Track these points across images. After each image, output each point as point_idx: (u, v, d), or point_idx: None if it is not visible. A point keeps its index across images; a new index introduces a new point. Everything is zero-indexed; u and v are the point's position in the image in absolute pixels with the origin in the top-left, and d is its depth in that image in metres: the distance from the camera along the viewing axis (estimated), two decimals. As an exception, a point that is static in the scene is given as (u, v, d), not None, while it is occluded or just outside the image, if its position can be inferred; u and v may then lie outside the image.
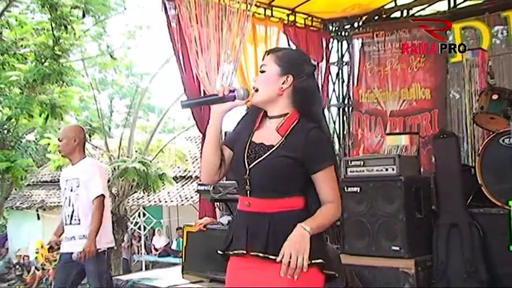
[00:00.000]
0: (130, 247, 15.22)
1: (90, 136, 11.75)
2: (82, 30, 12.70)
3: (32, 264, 15.80)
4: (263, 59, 2.18)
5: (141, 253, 14.24)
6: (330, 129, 7.10)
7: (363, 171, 4.45)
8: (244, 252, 2.06)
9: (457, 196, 4.16)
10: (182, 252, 4.87)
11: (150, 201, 15.13)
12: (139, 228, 13.53)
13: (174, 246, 14.93)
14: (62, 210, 4.05)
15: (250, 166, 2.07)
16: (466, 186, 4.20)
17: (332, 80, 7.24)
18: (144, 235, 14.09)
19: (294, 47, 6.65)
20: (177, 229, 14.77)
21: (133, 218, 13.67)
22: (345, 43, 7.28)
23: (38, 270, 15.13)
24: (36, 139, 15.28)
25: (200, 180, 4.99)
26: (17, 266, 16.11)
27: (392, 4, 6.86)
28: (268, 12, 6.45)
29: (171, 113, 16.94)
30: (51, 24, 10.95)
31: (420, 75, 6.58)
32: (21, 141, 13.57)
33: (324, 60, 7.05)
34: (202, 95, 5.42)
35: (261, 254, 2.01)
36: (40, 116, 11.48)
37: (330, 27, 7.24)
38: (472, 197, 4.24)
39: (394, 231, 4.13)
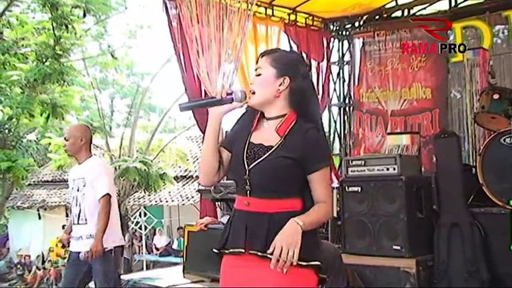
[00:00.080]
0: (131, 247, 15.21)
1: (91, 136, 11.74)
2: (83, 30, 12.73)
3: (33, 263, 15.83)
4: (257, 62, 2.19)
5: (142, 253, 14.24)
6: (331, 129, 7.20)
7: (364, 170, 4.45)
8: (243, 251, 2.07)
9: (458, 196, 4.16)
10: (183, 252, 4.88)
11: (151, 201, 15.15)
12: (140, 227, 13.52)
13: (175, 246, 14.95)
14: (70, 209, 4.07)
15: (250, 167, 2.08)
16: (467, 186, 4.20)
17: (333, 80, 7.23)
18: (145, 235, 14.08)
19: (294, 46, 6.66)
20: (178, 229, 14.78)
21: (134, 218, 13.67)
22: (345, 42, 7.27)
23: (39, 269, 15.16)
24: (37, 139, 15.30)
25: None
26: (18, 266, 16.13)
27: (393, 3, 6.85)
28: (269, 11, 6.45)
29: (172, 113, 16.92)
30: (52, 24, 10.97)
31: (421, 74, 6.58)
32: (22, 141, 13.58)
33: (325, 60, 7.03)
34: (203, 94, 5.43)
35: (259, 253, 2.02)
36: (41, 115, 11.50)
37: (331, 27, 7.23)
38: (473, 196, 4.23)
39: (395, 230, 4.12)
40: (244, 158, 2.10)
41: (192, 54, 5.37)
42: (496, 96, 4.47)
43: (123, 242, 4.07)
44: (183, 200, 14.52)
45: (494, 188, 4.11)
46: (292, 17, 6.72)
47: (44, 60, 11.10)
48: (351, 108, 7.21)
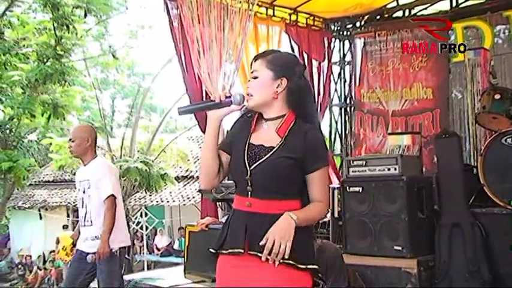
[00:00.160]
0: (132, 247, 15.22)
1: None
2: (84, 30, 12.73)
3: (34, 264, 15.83)
4: (251, 65, 2.21)
5: (143, 253, 14.23)
6: (332, 129, 7.20)
7: (365, 171, 4.44)
8: (242, 251, 2.07)
9: (459, 196, 4.16)
10: (184, 252, 4.88)
11: (152, 201, 15.15)
12: (141, 228, 13.52)
13: (176, 246, 14.95)
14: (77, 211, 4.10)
15: (252, 167, 2.09)
16: (468, 186, 4.19)
17: (334, 80, 7.22)
18: (146, 235, 14.08)
19: (296, 46, 6.66)
20: (179, 229, 14.79)
21: (136, 218, 13.67)
22: (346, 43, 7.27)
23: (40, 270, 15.16)
24: (38, 139, 15.32)
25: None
26: (19, 266, 16.12)
27: (394, 4, 6.85)
28: (270, 11, 6.45)
29: (173, 113, 16.88)
30: (53, 24, 10.98)
31: (422, 74, 6.57)
32: (23, 141, 13.60)
33: (326, 60, 7.02)
34: (204, 94, 5.43)
35: (260, 254, 2.01)
36: (42, 115, 11.52)
37: (332, 27, 7.23)
38: (474, 196, 4.22)
39: (396, 231, 4.12)
40: (246, 159, 2.11)
41: (193, 54, 5.37)
42: (497, 97, 4.47)
43: (129, 243, 4.06)
44: (184, 200, 14.52)
45: (495, 189, 4.10)
46: (293, 17, 6.72)
47: (45, 60, 11.11)
48: (352, 108, 7.21)
